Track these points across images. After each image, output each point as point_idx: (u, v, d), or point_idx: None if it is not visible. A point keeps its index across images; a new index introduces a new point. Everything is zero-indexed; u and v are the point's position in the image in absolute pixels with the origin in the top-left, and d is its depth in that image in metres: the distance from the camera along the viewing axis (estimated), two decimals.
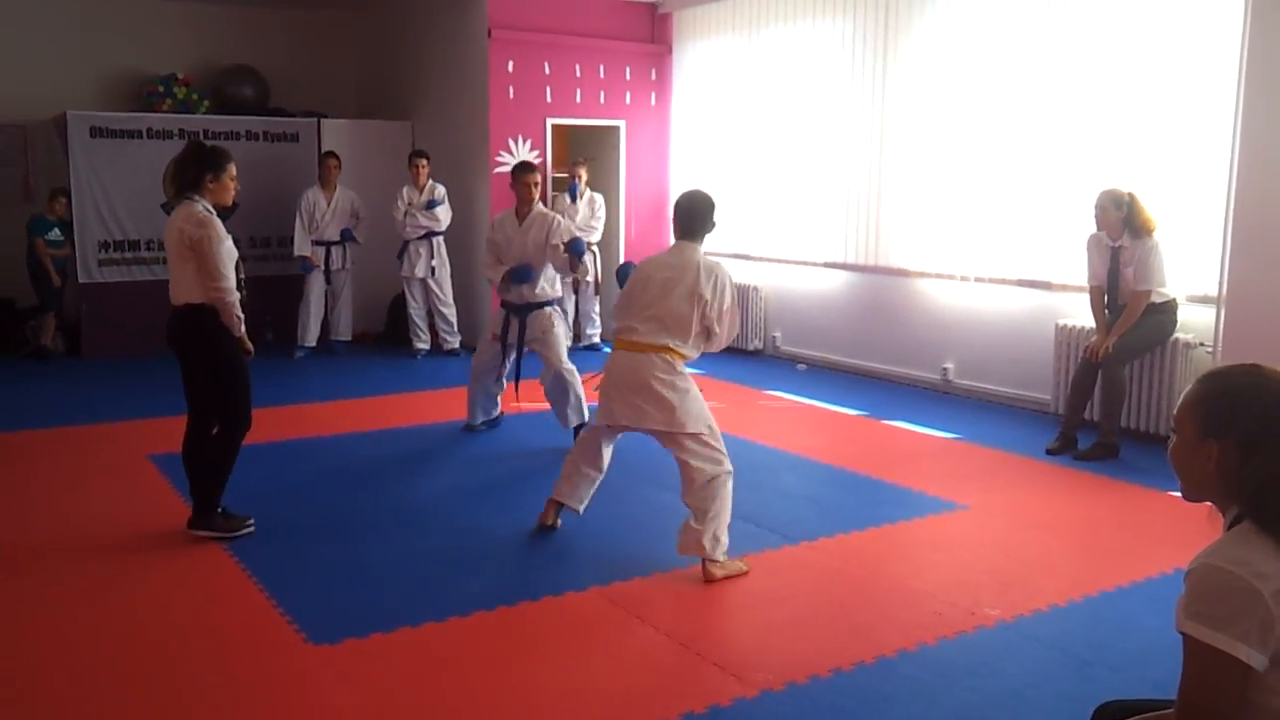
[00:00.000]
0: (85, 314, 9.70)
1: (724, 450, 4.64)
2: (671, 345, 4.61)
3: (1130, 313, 6.29)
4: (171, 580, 4.49)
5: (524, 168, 6.70)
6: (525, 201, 6.62)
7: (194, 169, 4.81)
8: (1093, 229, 6.46)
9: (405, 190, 9.66)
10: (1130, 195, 6.27)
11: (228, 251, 4.78)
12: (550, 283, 6.70)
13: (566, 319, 6.75)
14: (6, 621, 4.06)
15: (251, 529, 5.01)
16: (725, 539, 4.53)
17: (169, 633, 3.96)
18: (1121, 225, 6.28)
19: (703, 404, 4.68)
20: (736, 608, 4.21)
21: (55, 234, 9.65)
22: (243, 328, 4.87)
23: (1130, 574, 4.53)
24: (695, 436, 4.56)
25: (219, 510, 4.99)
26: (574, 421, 6.59)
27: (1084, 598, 4.30)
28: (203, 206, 4.78)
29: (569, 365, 6.60)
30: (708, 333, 4.68)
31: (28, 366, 9.36)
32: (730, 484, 4.61)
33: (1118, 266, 6.35)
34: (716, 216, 4.73)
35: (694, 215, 4.66)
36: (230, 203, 4.97)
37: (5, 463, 6.28)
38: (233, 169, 4.92)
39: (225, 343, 4.85)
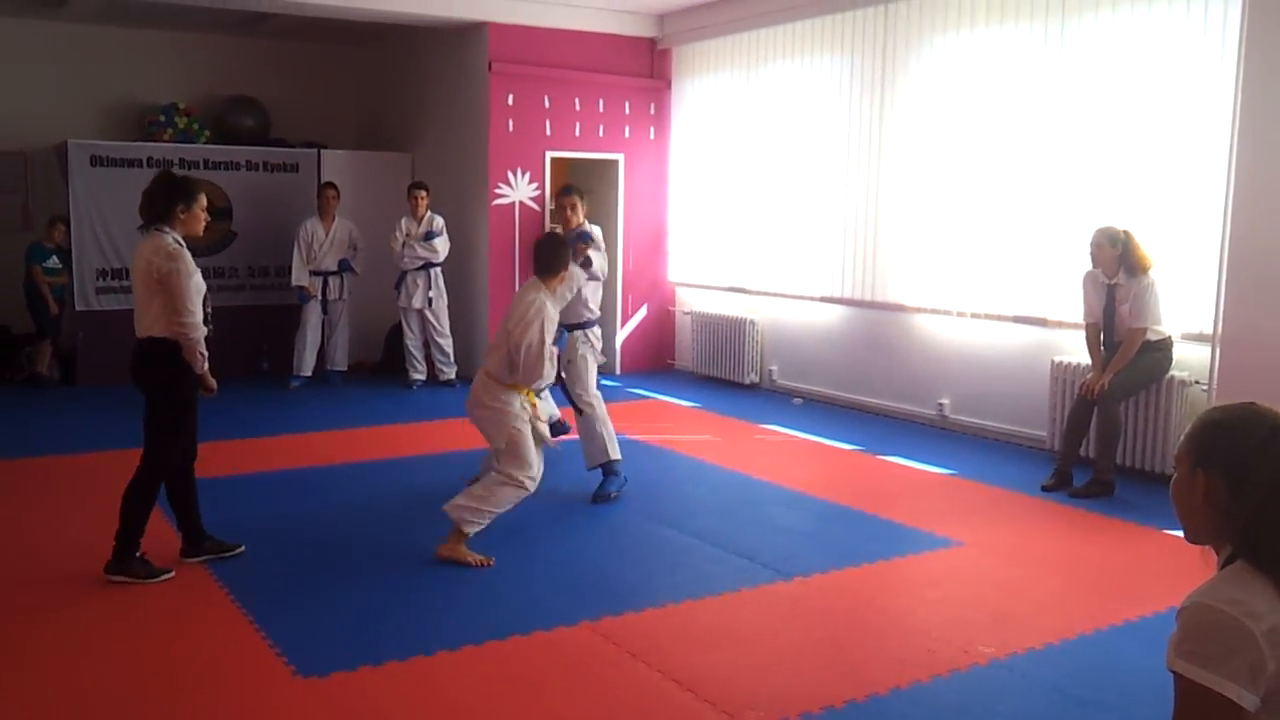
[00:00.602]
0: (82, 342, 9.69)
1: (523, 468, 5.09)
2: (488, 369, 5.21)
3: (1126, 350, 6.30)
4: (162, 610, 4.46)
5: (561, 190, 6.77)
6: (563, 223, 6.62)
7: (165, 199, 4.73)
8: (1088, 266, 6.48)
9: (404, 221, 9.68)
10: (1126, 233, 6.30)
11: (196, 286, 4.68)
12: (585, 304, 6.31)
13: (596, 346, 6.43)
14: None
15: (170, 575, 4.79)
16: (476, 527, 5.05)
17: (158, 663, 3.93)
18: (1117, 263, 6.30)
19: (508, 420, 5.11)
20: (729, 643, 4.18)
21: (53, 261, 9.66)
22: (205, 364, 4.76)
23: (1125, 612, 4.50)
24: (500, 451, 5.14)
25: (139, 553, 4.81)
26: (595, 460, 6.25)
27: (1079, 636, 4.27)
28: (172, 238, 4.69)
29: (589, 399, 6.25)
30: (511, 363, 5.13)
31: (23, 394, 9.34)
32: (511, 493, 5.10)
33: (1113, 304, 6.36)
34: (560, 256, 5.38)
35: (538, 255, 5.40)
36: (200, 233, 4.89)
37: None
38: (204, 199, 4.85)
39: (185, 381, 4.77)
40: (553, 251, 5.40)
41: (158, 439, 4.80)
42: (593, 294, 6.38)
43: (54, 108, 10.60)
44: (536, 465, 5.18)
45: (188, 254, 4.71)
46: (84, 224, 9.62)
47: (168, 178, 4.85)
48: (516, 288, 9.94)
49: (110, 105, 10.90)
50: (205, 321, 4.75)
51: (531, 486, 5.15)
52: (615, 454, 6.21)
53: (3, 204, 10.63)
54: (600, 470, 6.24)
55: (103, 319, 9.71)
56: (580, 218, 6.51)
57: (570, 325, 6.24)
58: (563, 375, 6.15)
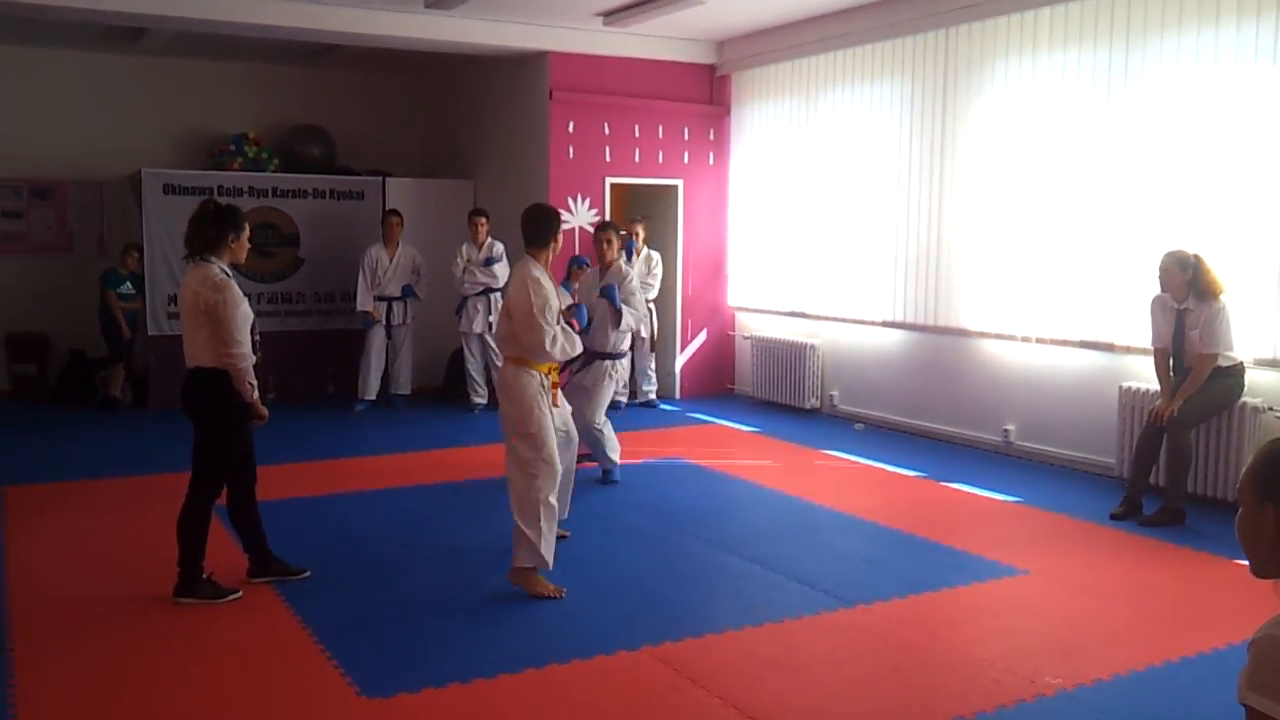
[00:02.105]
0: (154, 366, 9.92)
1: (539, 448, 4.95)
2: (506, 356, 5.17)
3: (1196, 376, 6.17)
4: (229, 632, 4.54)
5: (599, 226, 7.05)
6: (600, 257, 6.75)
7: (216, 229, 4.76)
8: (1157, 290, 6.37)
9: (465, 247, 9.80)
10: (1196, 257, 6.18)
11: (244, 315, 4.71)
12: (621, 337, 6.85)
13: (619, 379, 6.79)
14: (70, 674, 4.13)
15: (238, 595, 4.89)
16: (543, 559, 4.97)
17: (225, 684, 4.00)
18: (1186, 287, 6.18)
19: (528, 399, 4.98)
20: (790, 671, 4.16)
21: (127, 287, 9.92)
22: (255, 393, 4.80)
23: (1196, 644, 4.40)
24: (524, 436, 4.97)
25: (206, 575, 4.89)
26: (604, 464, 6.97)
27: (1147, 668, 4.18)
28: (219, 269, 4.73)
29: (599, 425, 6.82)
30: (516, 338, 5.06)
31: (97, 416, 9.59)
32: (541, 484, 4.94)
33: (1183, 329, 6.24)
34: (545, 225, 5.37)
35: (524, 227, 5.37)
36: (244, 261, 4.97)
37: (72, 510, 6.42)
38: (248, 228, 4.92)
39: (234, 410, 4.79)
40: (537, 222, 5.35)
41: (205, 467, 4.84)
42: (623, 337, 6.81)
43: (129, 138, 10.91)
44: (551, 444, 5.01)
45: (235, 284, 4.75)
46: (156, 251, 9.86)
47: (216, 206, 4.87)
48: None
49: (182, 135, 11.19)
50: (254, 350, 4.77)
51: (555, 464, 5.00)
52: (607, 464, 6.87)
53: (80, 232, 10.95)
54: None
55: (174, 344, 9.74)
56: (615, 253, 6.86)
57: (605, 354, 6.43)
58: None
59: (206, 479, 4.86)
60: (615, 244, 6.88)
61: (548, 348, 4.96)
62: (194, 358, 4.75)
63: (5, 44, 10.37)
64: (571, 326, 5.32)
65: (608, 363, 6.73)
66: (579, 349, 5.26)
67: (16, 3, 8.01)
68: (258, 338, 4.86)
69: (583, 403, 6.67)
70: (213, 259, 4.76)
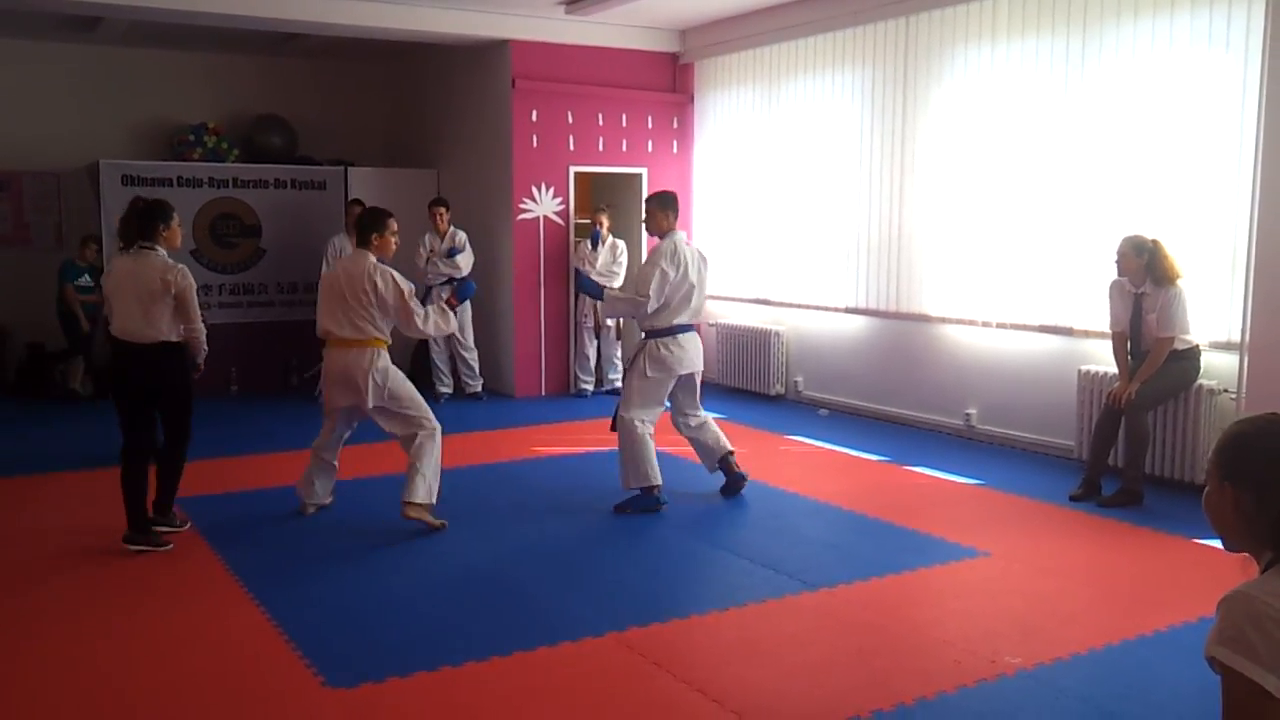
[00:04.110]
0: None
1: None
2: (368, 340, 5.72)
3: (1153, 359, 6.26)
4: (191, 622, 4.51)
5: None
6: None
7: (145, 221, 5.43)
8: (1114, 275, 6.45)
9: (427, 237, 9.76)
10: (1154, 242, 6.26)
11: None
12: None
13: (657, 358, 6.22)
14: (26, 664, 4.09)
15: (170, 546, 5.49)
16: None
17: (187, 673, 3.98)
18: (1144, 272, 6.27)
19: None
20: (754, 654, 4.19)
21: (85, 280, 9.81)
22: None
23: (1154, 622, 4.48)
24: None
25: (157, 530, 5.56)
26: (631, 483, 6.15)
27: (1106, 646, 4.25)
28: (165, 255, 5.44)
29: (629, 414, 6.17)
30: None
31: (56, 409, 9.47)
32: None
33: (1140, 313, 6.33)
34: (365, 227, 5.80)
35: (360, 227, 5.86)
36: (178, 247, 5.64)
37: (31, 504, 6.35)
38: (177, 218, 5.60)
39: (189, 374, 5.63)
40: (363, 222, 5.88)
41: (186, 421, 5.63)
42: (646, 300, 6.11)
43: (86, 128, 10.76)
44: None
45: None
46: (115, 243, 9.73)
47: (143, 203, 5.55)
48: (541, 301, 10.06)
49: (141, 125, 11.05)
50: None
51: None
52: (639, 482, 6.13)
53: (37, 224, 10.80)
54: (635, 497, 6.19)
55: None
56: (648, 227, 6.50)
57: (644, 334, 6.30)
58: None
59: (187, 431, 5.65)
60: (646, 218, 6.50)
61: (420, 326, 5.73)
62: (159, 333, 5.39)
63: None
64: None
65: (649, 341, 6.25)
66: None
67: None
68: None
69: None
70: (156, 247, 5.43)
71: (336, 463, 6.14)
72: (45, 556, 5.41)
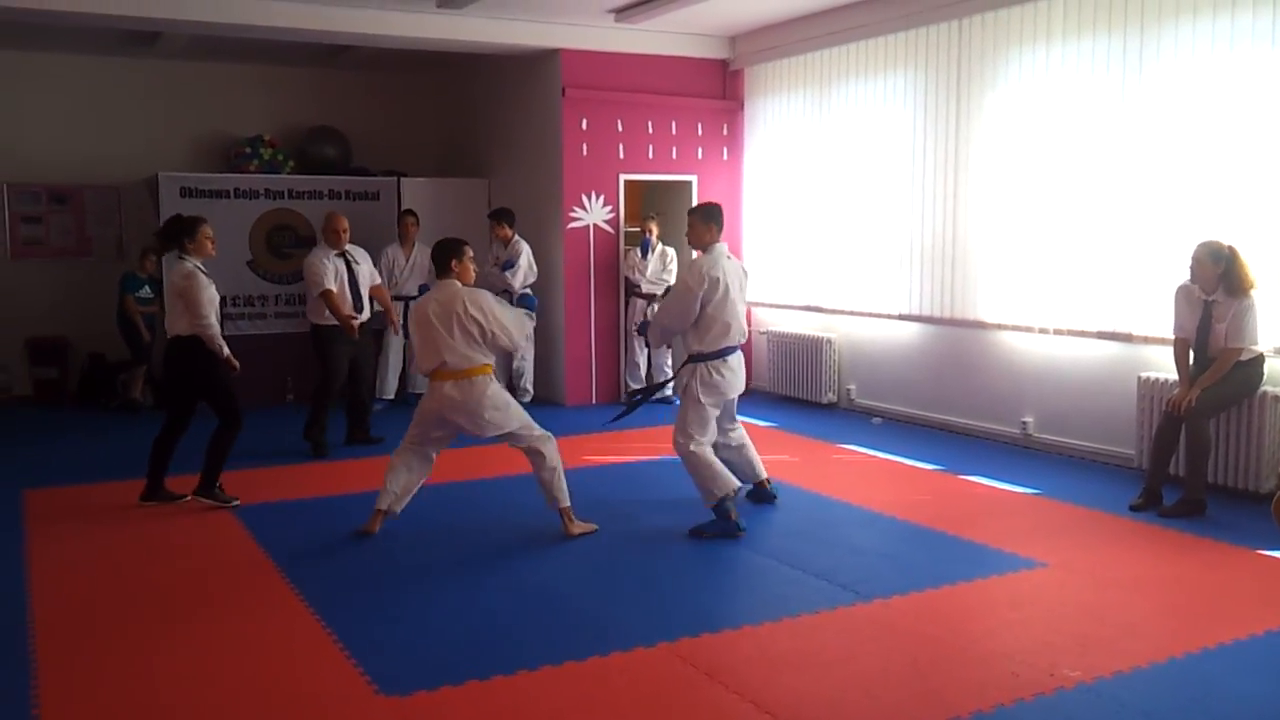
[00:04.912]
0: None
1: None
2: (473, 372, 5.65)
3: (1218, 369, 6.11)
4: (248, 629, 4.56)
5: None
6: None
7: (171, 235, 6.42)
8: (1176, 279, 6.32)
9: (494, 246, 9.91)
10: (1231, 250, 6.08)
11: (209, 298, 6.27)
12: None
13: (708, 381, 6.03)
14: (93, 675, 4.16)
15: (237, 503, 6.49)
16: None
17: (245, 684, 4.03)
18: (1217, 280, 6.10)
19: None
20: (808, 666, 4.15)
21: (145, 291, 9.99)
22: (225, 350, 6.35)
23: (1217, 635, 4.37)
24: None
25: (217, 486, 6.51)
26: (715, 494, 5.88)
27: (1169, 659, 4.16)
28: (192, 264, 6.31)
29: (681, 439, 5.99)
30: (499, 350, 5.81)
31: (118, 418, 9.65)
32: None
33: (1208, 321, 6.17)
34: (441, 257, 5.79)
35: (439, 257, 5.81)
36: (212, 254, 6.45)
37: (93, 513, 6.46)
38: (207, 229, 6.40)
39: (214, 363, 6.35)
40: (439, 252, 5.85)
41: (225, 400, 6.44)
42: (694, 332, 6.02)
43: (145, 142, 10.98)
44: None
45: (201, 274, 6.29)
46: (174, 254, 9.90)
47: (174, 220, 6.51)
48: (592, 309, 10.07)
49: (198, 138, 11.25)
50: (221, 322, 6.47)
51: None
52: (721, 490, 5.86)
53: (98, 236, 11.03)
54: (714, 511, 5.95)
55: None
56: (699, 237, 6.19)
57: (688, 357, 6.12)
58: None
59: (228, 409, 6.44)
60: (693, 229, 6.21)
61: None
62: (178, 329, 6.31)
63: (22, 50, 10.46)
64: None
65: (691, 365, 6.10)
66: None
67: (32, 10, 8.06)
68: (220, 313, 6.52)
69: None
70: (185, 256, 6.32)
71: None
72: (101, 562, 5.51)
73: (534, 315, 6.01)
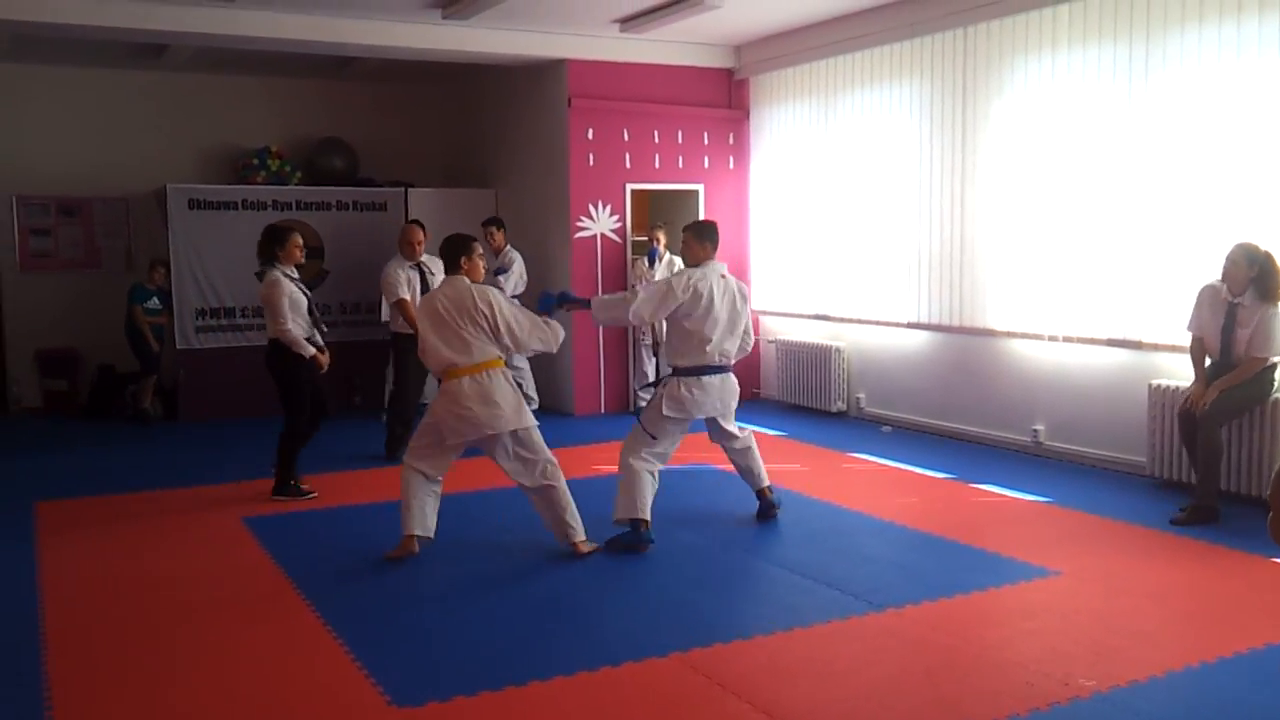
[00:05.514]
0: (183, 379, 10.00)
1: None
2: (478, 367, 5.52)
3: (1239, 374, 6.07)
4: (260, 640, 4.56)
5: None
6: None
7: (264, 247, 6.81)
8: (1186, 286, 6.29)
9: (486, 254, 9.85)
10: (1267, 255, 6.04)
11: (290, 302, 6.64)
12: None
13: (675, 397, 5.91)
14: (103, 684, 4.16)
15: (315, 495, 6.94)
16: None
17: (256, 692, 4.02)
18: (1248, 282, 6.06)
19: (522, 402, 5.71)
20: (820, 676, 4.13)
21: (154, 303, 10.01)
22: (310, 350, 6.72)
23: (1233, 644, 4.35)
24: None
25: (291, 483, 6.91)
26: (619, 515, 5.82)
27: (1184, 668, 4.14)
28: (280, 272, 6.70)
29: (632, 454, 5.90)
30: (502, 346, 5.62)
31: (128, 430, 9.67)
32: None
33: (1232, 324, 6.12)
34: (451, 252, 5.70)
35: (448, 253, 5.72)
36: (300, 261, 6.88)
37: (103, 525, 6.46)
38: (296, 238, 6.83)
39: (292, 365, 6.72)
40: (449, 249, 5.75)
41: (286, 408, 6.86)
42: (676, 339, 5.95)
43: (153, 154, 11.02)
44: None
45: (284, 281, 6.67)
46: (183, 265, 9.95)
47: (268, 229, 6.94)
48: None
49: (206, 150, 11.28)
50: (315, 325, 6.86)
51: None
52: (627, 513, 5.81)
53: (107, 248, 11.06)
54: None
55: (202, 357, 10.01)
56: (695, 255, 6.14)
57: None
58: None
59: (290, 411, 6.84)
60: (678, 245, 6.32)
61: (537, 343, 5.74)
62: (269, 333, 6.78)
63: (30, 64, 10.50)
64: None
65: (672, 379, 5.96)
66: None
67: (40, 23, 8.10)
68: (317, 314, 6.92)
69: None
70: (276, 264, 6.74)
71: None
72: (112, 573, 5.51)
73: (552, 321, 5.73)
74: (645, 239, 10.21)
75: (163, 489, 7.33)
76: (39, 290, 10.76)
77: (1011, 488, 7.02)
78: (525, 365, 10.00)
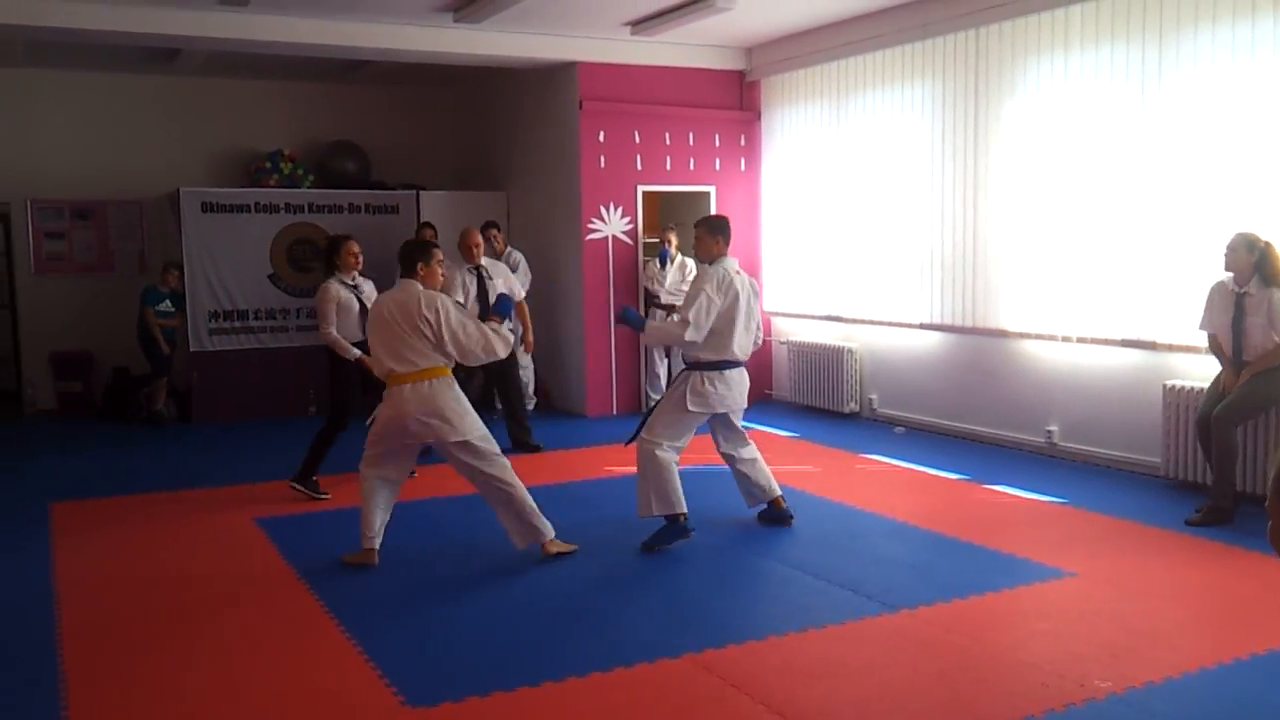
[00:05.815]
0: (196, 382, 10.03)
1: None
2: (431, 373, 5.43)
3: (1269, 359, 6.03)
4: (273, 640, 4.57)
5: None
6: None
7: (326, 256, 7.34)
8: (1199, 286, 6.27)
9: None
10: (1266, 243, 6.08)
11: (340, 306, 6.99)
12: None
13: (699, 392, 5.90)
14: (119, 685, 4.17)
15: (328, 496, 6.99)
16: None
17: (270, 692, 4.03)
18: (1251, 270, 6.06)
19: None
20: (834, 677, 4.12)
21: (166, 305, 10.04)
22: (354, 352, 6.92)
23: (1249, 645, 4.32)
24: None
25: (313, 479, 7.03)
26: (655, 510, 5.84)
27: (1200, 669, 4.11)
28: (335, 279, 7.10)
29: (653, 438, 5.89)
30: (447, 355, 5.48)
31: (142, 432, 9.71)
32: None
33: (1241, 315, 6.11)
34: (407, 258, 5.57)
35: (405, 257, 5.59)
36: (356, 267, 7.21)
37: (118, 526, 6.49)
38: (352, 246, 7.21)
39: (338, 365, 7.05)
40: (407, 253, 5.64)
41: (330, 404, 7.19)
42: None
43: (166, 158, 11.07)
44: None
45: (336, 288, 7.04)
46: (196, 268, 9.99)
47: (329, 239, 7.54)
48: (612, 320, 10.05)
49: (219, 154, 11.33)
50: (362, 329, 6.83)
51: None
52: (664, 509, 5.81)
53: (121, 251, 11.11)
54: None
55: (215, 359, 10.05)
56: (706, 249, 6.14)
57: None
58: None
59: (333, 412, 7.10)
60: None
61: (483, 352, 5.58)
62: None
63: (44, 68, 10.55)
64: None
65: (687, 372, 6.00)
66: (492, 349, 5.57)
67: (54, 28, 8.13)
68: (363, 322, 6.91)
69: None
70: (335, 274, 7.13)
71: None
72: (127, 574, 5.53)
73: (510, 318, 5.72)
74: (657, 241, 10.21)
75: (176, 490, 7.36)
76: (53, 293, 10.82)
77: (1025, 489, 6.99)
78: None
